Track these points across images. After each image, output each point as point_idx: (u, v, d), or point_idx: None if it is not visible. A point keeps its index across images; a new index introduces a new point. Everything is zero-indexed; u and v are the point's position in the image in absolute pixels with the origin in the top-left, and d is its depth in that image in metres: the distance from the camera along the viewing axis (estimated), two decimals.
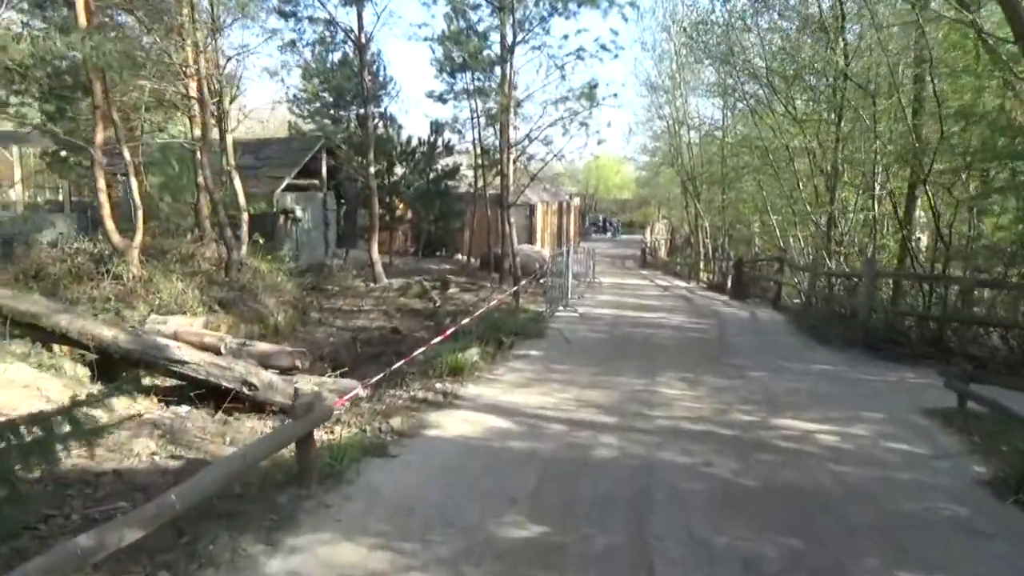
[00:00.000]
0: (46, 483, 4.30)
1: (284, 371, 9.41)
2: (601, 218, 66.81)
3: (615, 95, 15.25)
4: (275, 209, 24.72)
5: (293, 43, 21.42)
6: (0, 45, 10.37)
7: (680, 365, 9.84)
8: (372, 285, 19.54)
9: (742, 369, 9.70)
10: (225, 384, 8.76)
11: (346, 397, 6.61)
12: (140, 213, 12.54)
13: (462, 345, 10.11)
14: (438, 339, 10.06)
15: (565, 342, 11.40)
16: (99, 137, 11.98)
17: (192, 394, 9.04)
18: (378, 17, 20.46)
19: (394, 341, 13.40)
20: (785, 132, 20.26)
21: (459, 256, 28.69)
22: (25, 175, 19.10)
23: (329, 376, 10.05)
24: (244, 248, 15.52)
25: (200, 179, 15.28)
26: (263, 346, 9.69)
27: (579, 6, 15.11)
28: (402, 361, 8.93)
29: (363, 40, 20.63)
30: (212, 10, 15.33)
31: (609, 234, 57.55)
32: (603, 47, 15.13)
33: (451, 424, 6.72)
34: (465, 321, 11.35)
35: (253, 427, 6.53)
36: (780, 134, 20.29)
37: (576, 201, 48.94)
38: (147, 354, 8.78)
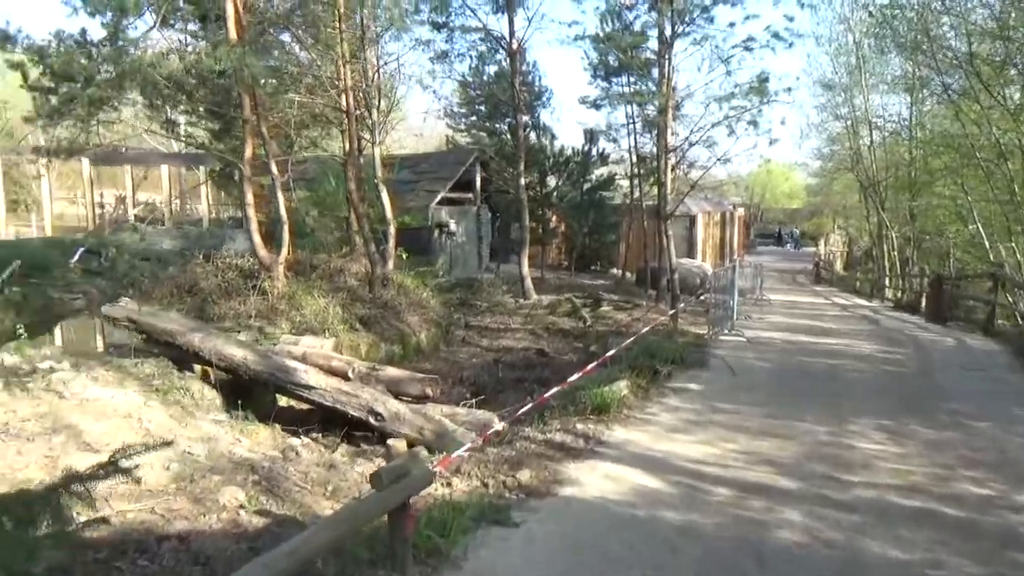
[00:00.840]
0: (97, 548, 3.64)
1: (415, 399, 8.67)
2: (777, 228, 62.75)
3: (789, 89, 13.42)
4: (430, 223, 24.71)
5: (445, 54, 21.16)
6: (150, 62, 10.48)
7: (875, 408, 8.05)
8: (521, 301, 18.74)
9: (959, 416, 7.77)
10: (351, 412, 8.16)
11: (454, 455, 5.64)
12: (286, 228, 12.42)
13: (609, 375, 8.92)
14: (587, 369, 8.92)
15: (730, 373, 9.88)
16: (248, 152, 11.96)
17: (318, 422, 8.61)
18: (529, 22, 19.77)
19: (539, 364, 12.42)
20: (995, 126, 17.36)
21: (614, 271, 27.40)
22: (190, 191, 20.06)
23: (463, 405, 9.22)
24: (390, 263, 15.21)
25: (359, 193, 15.15)
26: (393, 371, 9.01)
27: None
28: (543, 397, 7.85)
29: (514, 47, 19.97)
30: (362, 23, 15.21)
31: (790, 246, 53.71)
32: (776, 35, 13.40)
33: (590, 480, 5.56)
34: (611, 353, 10.12)
35: (364, 472, 5.71)
36: (988, 129, 17.41)
37: (740, 211, 46.07)
38: (274, 376, 8.35)
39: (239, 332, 10.94)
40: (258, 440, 6.59)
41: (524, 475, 5.58)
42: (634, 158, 23.17)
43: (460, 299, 18.10)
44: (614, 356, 9.76)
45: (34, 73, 11.37)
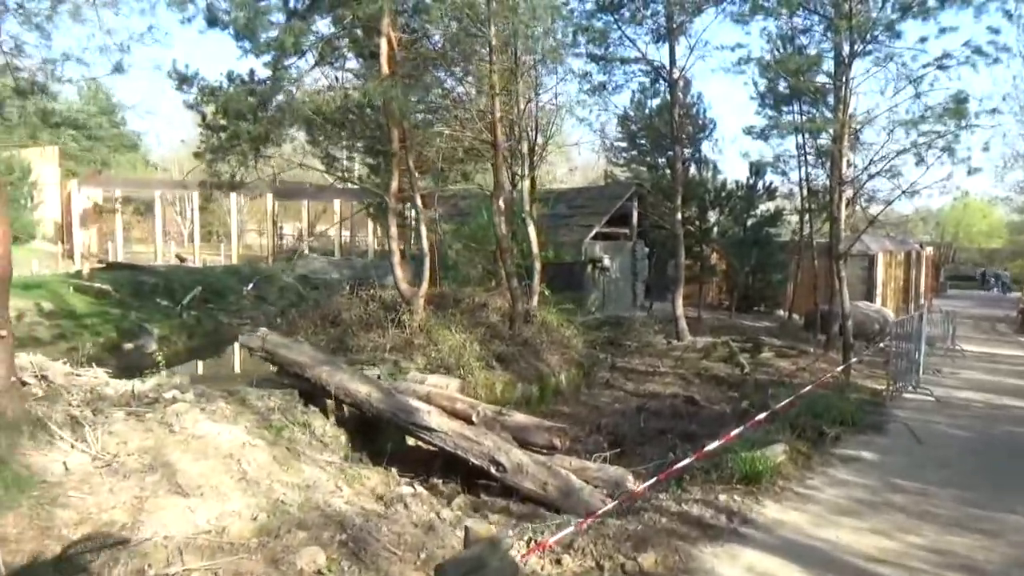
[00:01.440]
0: None
1: (541, 449, 7.98)
2: (980, 270, 56.45)
3: (994, 111, 11.35)
4: (583, 258, 24.15)
5: (602, 86, 20.62)
6: (307, 99, 10.71)
7: None
8: (674, 343, 17.58)
9: None
10: (472, 460, 7.62)
11: (557, 537, 4.84)
12: (427, 261, 12.28)
13: (764, 435, 7.78)
14: (738, 430, 7.84)
15: (914, 442, 8.36)
16: (393, 185, 11.98)
17: (441, 466, 8.15)
18: (691, 50, 18.78)
19: (687, 415, 11.33)
20: None
21: (779, 312, 25.36)
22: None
23: (596, 458, 8.42)
24: (535, 299, 14.73)
25: (504, 227, 14.89)
26: (520, 417, 8.39)
27: (942, 4, 11.82)
28: (681, 462, 6.89)
29: (675, 76, 19.09)
30: (515, 56, 15.03)
31: (996, 290, 48.13)
32: (977, 51, 11.58)
33: (728, 575, 4.60)
34: (764, 414, 8.92)
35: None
36: None
37: (928, 250, 41.69)
38: (396, 416, 8.00)
39: (374, 365, 10.83)
40: (365, 487, 6.17)
41: (648, 559, 4.72)
42: (804, 192, 21.36)
43: (608, 338, 17.25)
44: (772, 413, 8.57)
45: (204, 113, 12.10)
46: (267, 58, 11.56)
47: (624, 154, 33.28)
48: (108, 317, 15.79)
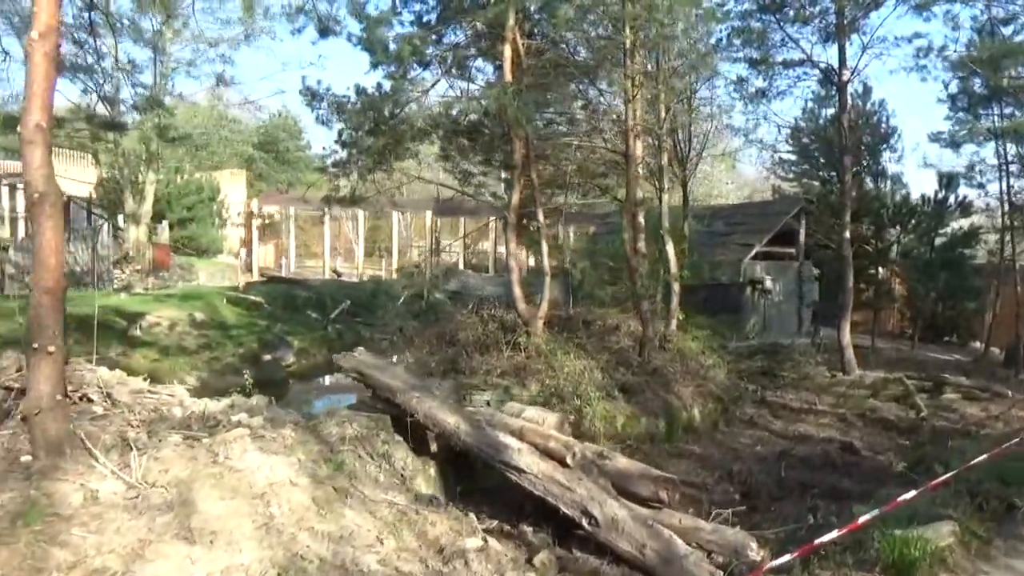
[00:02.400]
0: None
1: (646, 501, 6.88)
2: None
3: None
4: (742, 279, 22.42)
5: (762, 93, 18.91)
6: (428, 111, 10.32)
7: None
8: (838, 376, 15.55)
9: None
10: (562, 508, 6.67)
11: None
12: (547, 281, 11.48)
13: (929, 507, 6.20)
14: (912, 494, 6.29)
15: None
16: (515, 199, 11.31)
17: (532, 511, 7.26)
18: (863, 49, 16.69)
19: (841, 465, 9.66)
20: None
21: (975, 345, 22.06)
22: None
23: (714, 516, 7.16)
24: (673, 323, 13.49)
25: (636, 244, 13.82)
26: (623, 462, 7.31)
27: None
28: (826, 536, 5.51)
29: (844, 79, 17.06)
30: (658, 61, 13.97)
31: None
32: None
33: None
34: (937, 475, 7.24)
35: None
36: None
37: None
38: (483, 451, 7.21)
39: (483, 390, 10.17)
40: (426, 536, 5.42)
41: None
42: (1006, 206, 18.38)
43: (760, 368, 15.55)
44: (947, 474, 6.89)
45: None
46: (385, 70, 11.33)
47: (794, 167, 30.80)
48: (253, 328, 16.38)
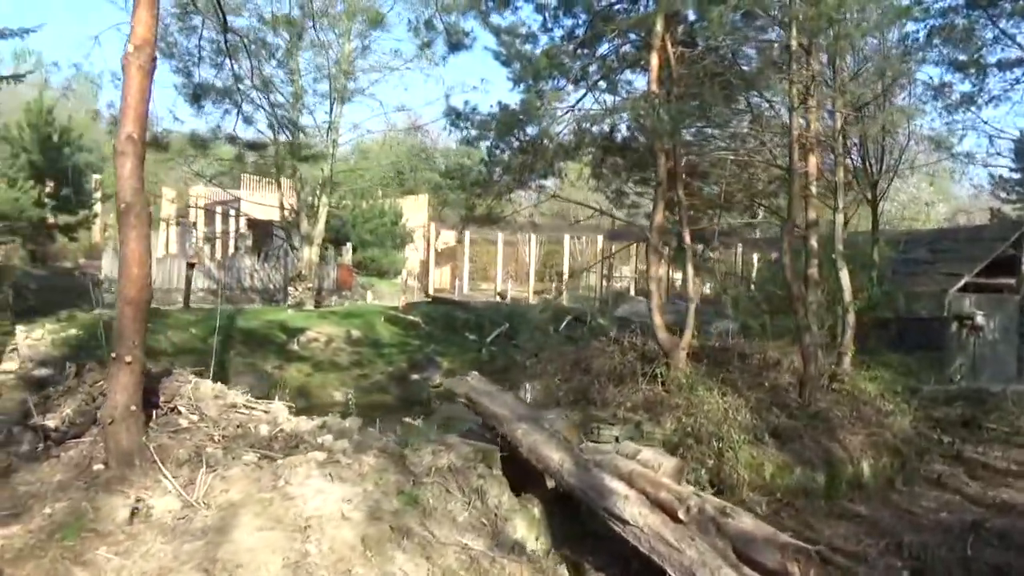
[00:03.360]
0: None
1: (770, 572, 5.74)
2: None
3: None
4: (946, 313, 19.65)
5: (970, 99, 16.43)
6: (555, 128, 9.81)
7: None
8: None
9: None
10: (669, 570, 5.74)
11: None
12: (692, 308, 10.44)
13: None
14: None
15: None
16: (657, 218, 10.42)
17: (637, 569, 6.35)
18: None
19: None
20: None
21: None
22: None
23: None
24: (845, 360, 11.83)
25: (807, 270, 12.34)
26: (749, 523, 6.18)
27: None
28: None
29: None
30: (834, 64, 12.52)
31: None
32: None
33: None
34: None
35: None
36: None
37: None
38: (587, 495, 6.45)
39: (612, 424, 9.34)
40: None
41: None
42: None
43: (960, 417, 13.26)
44: None
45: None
46: (531, 84, 10.92)
47: (1018, 187, 26.92)
48: (406, 347, 16.61)
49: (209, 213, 33.44)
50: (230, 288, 26.73)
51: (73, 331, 12.71)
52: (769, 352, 12.14)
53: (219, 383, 6.74)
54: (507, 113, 10.99)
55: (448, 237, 42.47)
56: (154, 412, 5.81)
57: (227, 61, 7.92)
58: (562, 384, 10.43)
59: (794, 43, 10.62)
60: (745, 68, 11.54)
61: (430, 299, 25.33)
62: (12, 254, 24.81)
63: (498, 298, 31.30)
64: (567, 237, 39.35)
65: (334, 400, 13.71)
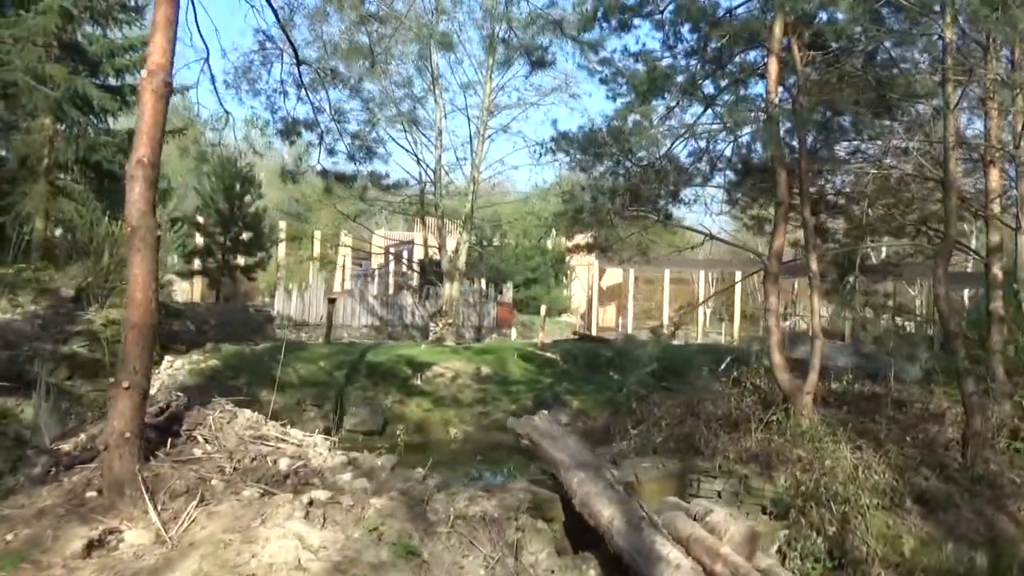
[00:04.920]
0: None
1: None
2: None
3: None
4: None
5: None
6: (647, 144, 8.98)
7: None
8: None
9: None
10: None
11: None
12: (818, 346, 8.98)
13: None
14: None
15: None
16: (777, 243, 9.15)
17: None
18: None
19: None
20: None
21: None
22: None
23: None
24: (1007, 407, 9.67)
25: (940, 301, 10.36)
26: None
27: None
28: None
29: None
30: (1013, 62, 10.59)
31: None
32: None
33: None
34: None
35: None
36: None
37: None
38: (634, 561, 5.50)
39: (714, 477, 8.18)
40: None
41: None
42: None
43: None
44: None
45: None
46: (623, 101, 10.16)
47: None
48: (535, 385, 16.00)
49: (387, 254, 35.21)
50: (392, 325, 27.81)
51: (213, 362, 13.47)
52: (932, 401, 10.23)
53: (256, 413, 6.58)
54: (613, 133, 10.29)
55: (616, 275, 41.70)
56: (170, 440, 5.72)
57: (317, 95, 8.11)
58: (667, 429, 9.34)
59: (948, 34, 9.03)
60: (887, 70, 10.00)
61: (577, 336, 24.63)
62: (204, 291, 27.55)
63: (651, 335, 29.98)
64: (737, 273, 37.05)
65: (450, 437, 13.43)
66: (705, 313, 39.01)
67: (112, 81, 14.56)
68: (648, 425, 9.54)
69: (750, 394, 9.80)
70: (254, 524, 4.64)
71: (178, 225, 23.26)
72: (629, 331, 34.69)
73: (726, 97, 10.70)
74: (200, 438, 5.82)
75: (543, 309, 28.39)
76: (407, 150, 16.74)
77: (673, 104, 10.42)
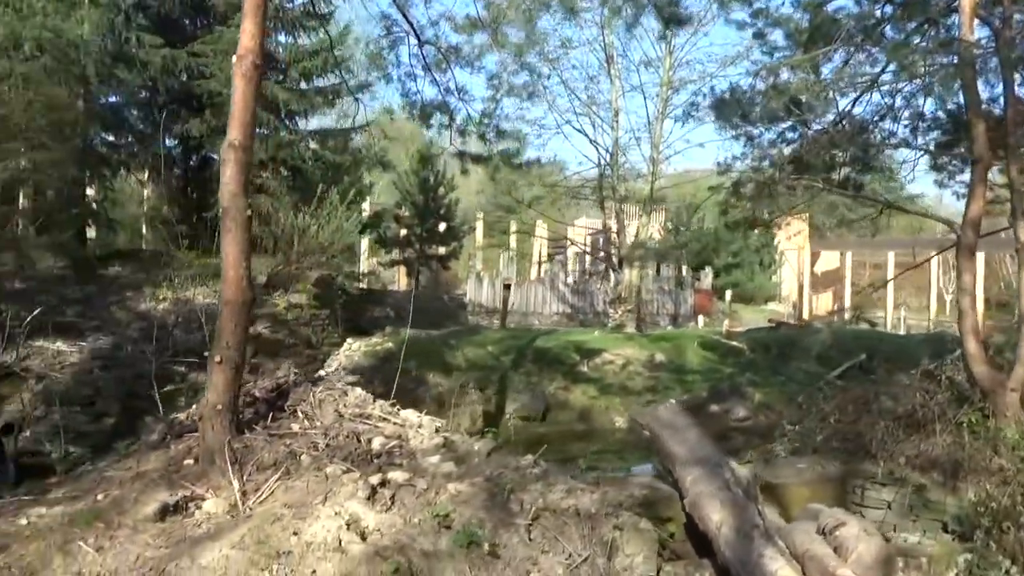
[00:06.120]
0: None
1: None
2: None
3: None
4: None
5: None
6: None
7: None
8: None
9: None
10: None
11: None
12: None
13: None
14: None
15: None
16: (973, 208, 7.62)
17: None
18: None
19: None
20: None
21: None
22: None
23: None
24: None
25: None
26: None
27: None
28: None
29: None
30: None
31: None
32: None
33: None
34: None
35: None
36: None
37: None
38: (739, 574, 4.76)
39: (883, 485, 6.98)
40: None
41: None
42: None
43: None
44: None
45: None
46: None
47: None
48: (713, 376, 14.93)
49: (572, 243, 35.08)
50: (583, 312, 27.63)
51: (389, 345, 14.10)
52: None
53: (365, 392, 6.64)
54: (776, 92, 9.20)
55: (832, 259, 38.24)
56: (272, 414, 5.91)
57: (444, 75, 8.01)
58: (832, 426, 8.17)
59: None
60: None
61: (773, 324, 22.71)
62: (405, 280, 29.18)
63: (867, 325, 26.91)
64: (979, 255, 32.21)
65: (615, 426, 12.95)
66: (942, 298, 34.52)
67: (303, 85, 15.81)
68: (813, 421, 8.42)
69: (944, 389, 8.28)
70: (315, 501, 4.61)
71: (380, 220, 24.81)
72: (846, 318, 31.61)
73: (915, 41, 9.12)
74: (301, 414, 5.96)
75: (728, 295, 26.67)
76: (582, 131, 16.27)
77: (846, 56, 9.07)
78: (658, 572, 5.26)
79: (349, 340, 14.32)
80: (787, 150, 9.30)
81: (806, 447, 7.91)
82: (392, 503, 4.79)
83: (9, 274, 13.03)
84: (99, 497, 4.63)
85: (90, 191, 15.20)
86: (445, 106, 8.66)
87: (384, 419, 6.27)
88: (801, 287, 35.11)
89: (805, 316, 32.54)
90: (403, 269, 27.94)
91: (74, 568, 3.86)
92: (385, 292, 25.18)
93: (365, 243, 27.74)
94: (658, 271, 28.43)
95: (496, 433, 6.94)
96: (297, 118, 16.16)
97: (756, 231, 33.77)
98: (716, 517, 5.19)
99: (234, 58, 5.50)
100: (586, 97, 19.19)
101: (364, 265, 28.15)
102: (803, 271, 35.05)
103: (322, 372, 12.43)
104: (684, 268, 29.46)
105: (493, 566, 4.52)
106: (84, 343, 10.84)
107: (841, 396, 9.00)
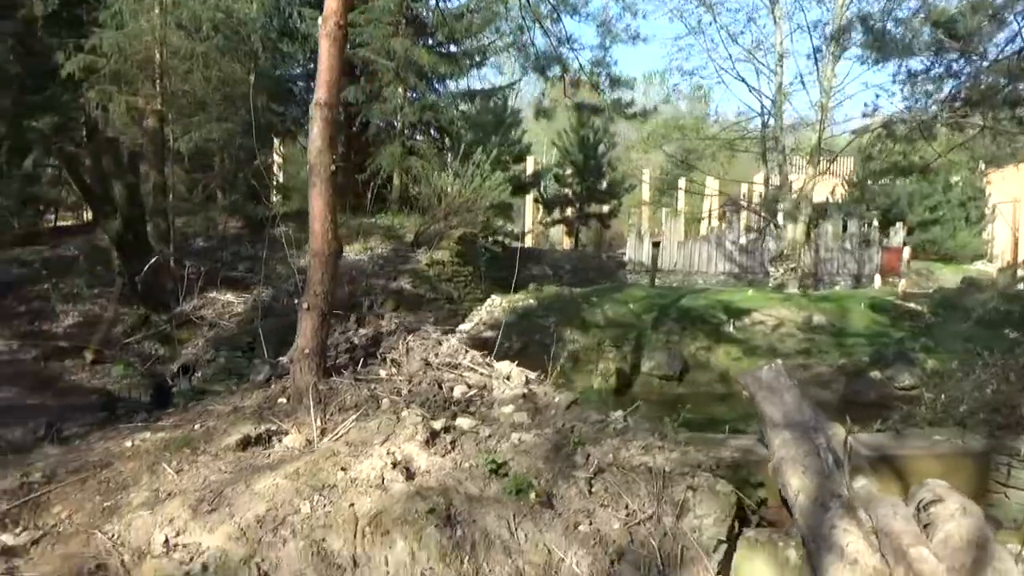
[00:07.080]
0: None
1: None
2: None
3: None
4: None
5: None
6: None
7: None
8: None
9: None
10: None
11: None
12: None
13: None
14: None
15: None
16: None
17: None
18: None
19: None
20: None
21: None
22: None
23: None
24: None
25: None
26: None
27: None
28: None
29: None
30: None
31: None
32: None
33: None
34: None
35: None
36: None
37: None
38: (811, 543, 4.43)
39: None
40: None
41: None
42: None
43: None
44: None
45: None
46: None
47: None
48: (878, 340, 13.63)
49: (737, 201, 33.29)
50: (752, 271, 26.29)
51: (530, 301, 14.29)
52: None
53: (460, 343, 6.80)
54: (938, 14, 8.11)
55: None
56: (363, 359, 6.23)
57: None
58: (982, 396, 7.20)
59: None
60: None
61: (966, 284, 20.16)
62: (570, 238, 29.25)
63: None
64: None
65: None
66: None
67: (452, 48, 16.16)
68: (961, 389, 7.49)
69: None
70: (375, 441, 4.83)
71: (539, 178, 25.00)
72: None
73: None
74: (390, 361, 6.23)
75: (906, 251, 24.10)
76: (742, 79, 15.20)
77: None
78: (736, 535, 4.97)
79: (492, 296, 14.67)
80: (947, 86, 8.16)
81: (947, 418, 7.06)
82: (452, 448, 4.90)
83: (196, 234, 14.68)
84: (196, 427, 5.16)
85: (266, 157, 16.70)
86: (558, 57, 8.48)
87: (472, 369, 6.39)
88: (1016, 243, 30.94)
89: (1017, 275, 28.70)
90: (564, 228, 28.08)
91: (155, 486, 4.34)
92: (543, 250, 25.43)
93: (529, 200, 28.08)
94: (845, 227, 26.37)
95: (619, 390, 6.82)
96: (449, 81, 16.63)
97: (956, 180, 30.21)
98: (795, 483, 4.82)
99: (320, 19, 5.74)
100: (749, 41, 17.90)
101: (528, 223, 28.56)
102: (1019, 226, 30.85)
103: (462, 327, 12.89)
104: (871, 224, 27.04)
105: (540, 515, 4.50)
106: (249, 295, 12.01)
107: (1004, 363, 7.89)
